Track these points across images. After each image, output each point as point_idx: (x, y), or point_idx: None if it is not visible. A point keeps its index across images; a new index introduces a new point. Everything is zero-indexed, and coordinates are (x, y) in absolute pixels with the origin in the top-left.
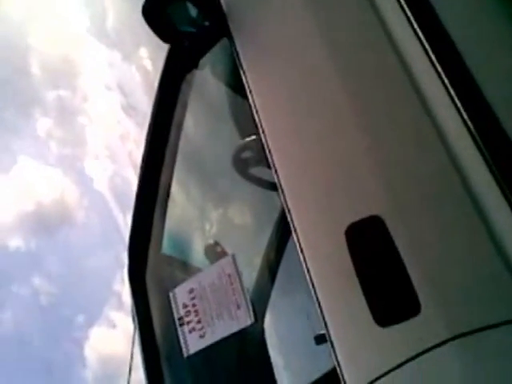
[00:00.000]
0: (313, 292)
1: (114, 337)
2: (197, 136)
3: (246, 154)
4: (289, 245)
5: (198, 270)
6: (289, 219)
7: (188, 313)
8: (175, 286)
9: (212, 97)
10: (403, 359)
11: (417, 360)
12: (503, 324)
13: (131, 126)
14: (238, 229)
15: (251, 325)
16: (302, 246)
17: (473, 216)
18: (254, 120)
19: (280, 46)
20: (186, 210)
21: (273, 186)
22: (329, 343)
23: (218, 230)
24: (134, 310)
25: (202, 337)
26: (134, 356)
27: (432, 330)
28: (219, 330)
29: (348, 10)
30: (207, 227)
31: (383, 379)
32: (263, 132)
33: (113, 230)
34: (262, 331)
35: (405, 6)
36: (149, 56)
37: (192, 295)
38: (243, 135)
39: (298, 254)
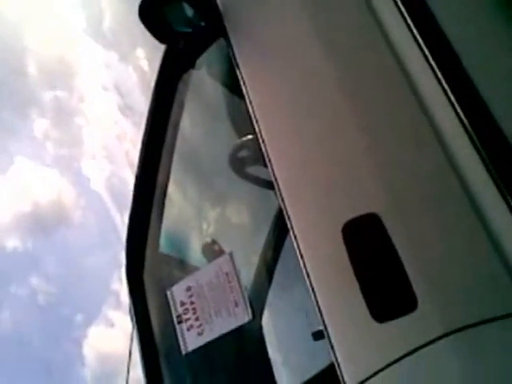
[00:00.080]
0: (310, 289)
1: (112, 335)
2: (193, 135)
3: (243, 153)
4: (286, 242)
5: (196, 268)
6: (286, 217)
7: (186, 311)
8: (173, 285)
9: (208, 96)
10: (400, 354)
11: (414, 355)
12: (499, 319)
13: (128, 126)
14: (236, 227)
15: (249, 322)
16: (299, 243)
17: (470, 214)
18: (251, 119)
19: (276, 46)
20: (183, 208)
21: (269, 185)
22: (326, 339)
23: (216, 229)
24: (132, 309)
25: (200, 334)
26: (133, 354)
27: (429, 326)
28: (217, 327)
29: (345, 10)
30: (204, 226)
31: (381, 374)
32: (260, 131)
33: (110, 230)
34: (260, 328)
35: (402, 8)
36: (145, 56)
37: (190, 293)
38: (240, 134)
39: (295, 252)
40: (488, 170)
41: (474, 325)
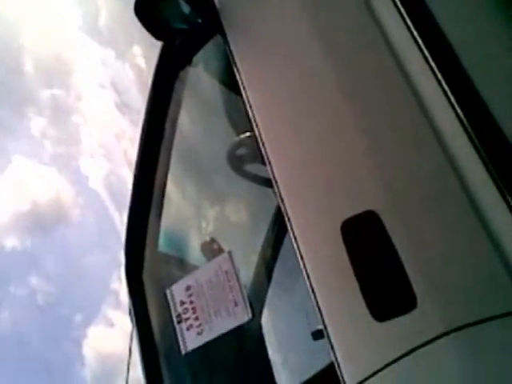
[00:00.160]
0: (310, 288)
1: (112, 335)
2: (191, 133)
3: (241, 151)
4: (285, 241)
5: (195, 267)
6: (285, 215)
7: (185, 310)
8: (172, 284)
9: (206, 94)
10: (400, 353)
11: (414, 354)
12: (499, 317)
13: (126, 124)
14: (234, 226)
15: (249, 321)
16: (299, 242)
17: (469, 213)
18: (248, 116)
19: (273, 43)
20: (181, 207)
21: (268, 183)
22: (326, 338)
23: (214, 228)
24: (132, 309)
25: (199, 334)
26: (132, 354)
27: (429, 324)
28: (217, 326)
29: (343, 9)
30: (203, 225)
31: (381, 373)
32: (258, 128)
33: (109, 228)
34: (260, 327)
35: (401, 8)
36: (142, 54)
37: (189, 292)
38: (238, 132)
39: (294, 250)
40: (488, 170)
41: (474, 323)
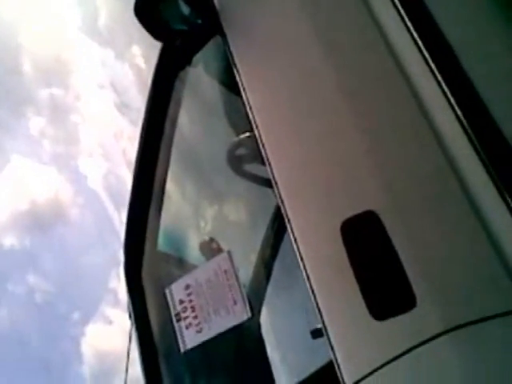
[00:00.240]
0: (309, 287)
1: (110, 333)
2: (191, 133)
3: (241, 151)
4: (284, 240)
5: (194, 266)
6: (284, 215)
7: (185, 309)
8: (171, 283)
9: (205, 94)
10: (400, 352)
11: (413, 352)
12: (499, 316)
13: (125, 124)
14: (234, 225)
15: (248, 320)
16: (298, 241)
17: (468, 213)
18: (248, 117)
19: (273, 44)
20: (181, 207)
21: (267, 183)
22: (325, 337)
23: (214, 227)
24: (131, 307)
25: (198, 332)
26: (131, 352)
27: (428, 323)
28: (216, 325)
29: (343, 10)
30: (202, 224)
31: (380, 372)
32: (257, 129)
33: (107, 228)
34: (259, 326)
35: (400, 8)
36: (141, 54)
37: (188, 291)
38: (237, 132)
39: (293, 250)
40: (488, 172)
41: (474, 322)
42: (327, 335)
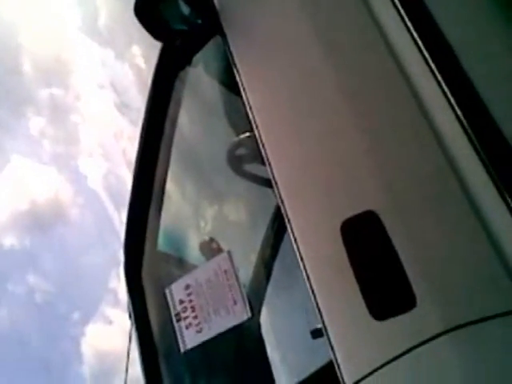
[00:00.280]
0: (309, 287)
1: (110, 333)
2: (191, 133)
3: (241, 151)
4: (284, 240)
5: (194, 266)
6: (284, 215)
7: (185, 309)
8: (171, 283)
9: (206, 94)
10: (400, 352)
11: (413, 352)
12: (498, 316)
13: (125, 124)
14: (234, 225)
15: (247, 320)
16: (298, 241)
17: (468, 213)
18: (248, 117)
19: (273, 44)
20: (181, 207)
21: (267, 183)
22: (325, 337)
23: (214, 227)
24: (131, 307)
25: (198, 332)
26: (131, 352)
27: (428, 323)
28: (216, 325)
29: (343, 9)
30: (202, 224)
31: (380, 372)
32: (257, 129)
33: (107, 227)
34: (259, 326)
35: (400, 9)
36: (141, 54)
37: (188, 291)
38: (237, 132)
39: (293, 250)
40: (488, 172)
41: (474, 322)
42: (327, 335)
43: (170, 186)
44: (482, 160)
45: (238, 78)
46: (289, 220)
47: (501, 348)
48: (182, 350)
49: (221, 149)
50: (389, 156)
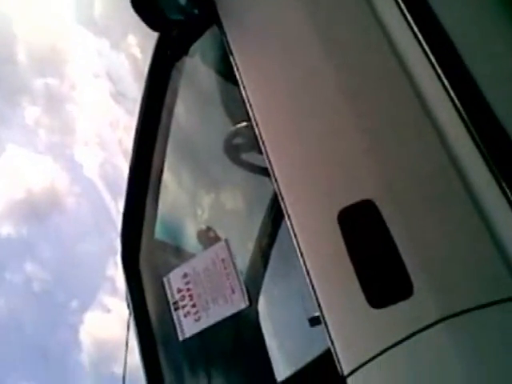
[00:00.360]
0: (306, 275)
1: (108, 321)
2: (188, 123)
3: (238, 140)
4: (281, 228)
5: (192, 255)
6: (281, 204)
7: (183, 297)
8: (169, 272)
9: (202, 84)
10: (397, 339)
11: (410, 340)
12: (496, 303)
13: (120, 113)
14: (231, 214)
15: (245, 308)
16: (295, 230)
17: (465, 202)
18: (245, 106)
19: (270, 33)
20: (178, 195)
21: (264, 172)
22: (323, 325)
23: (211, 215)
24: (129, 296)
25: (197, 321)
26: (130, 340)
27: (425, 311)
28: (214, 313)
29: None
30: (200, 212)
31: (377, 359)
32: (254, 118)
33: (104, 216)
34: (256, 314)
35: (403, 7)
36: (137, 43)
37: (186, 280)
38: (234, 121)
39: (290, 238)
40: (490, 169)
41: (471, 309)
42: (325, 323)
43: (167, 174)
44: (485, 159)
45: (234, 68)
46: (286, 209)
47: (498, 335)
48: (181, 339)
49: (218, 138)
50: (386, 141)
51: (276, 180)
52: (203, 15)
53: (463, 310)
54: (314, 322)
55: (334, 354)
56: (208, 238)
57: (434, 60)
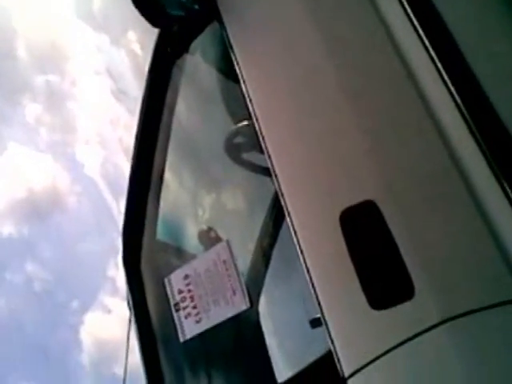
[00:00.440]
0: (308, 276)
1: (109, 321)
2: (189, 121)
3: (239, 140)
4: (283, 229)
5: (193, 256)
6: (283, 204)
7: (184, 298)
8: (170, 272)
9: (203, 81)
10: (398, 341)
11: (411, 342)
12: (497, 305)
13: (121, 111)
14: (232, 214)
15: (246, 309)
16: (297, 231)
17: (467, 203)
18: (246, 103)
19: (271, 30)
20: (179, 195)
21: (266, 171)
22: (324, 327)
23: (212, 216)
24: (130, 296)
25: (198, 322)
26: (131, 340)
27: (426, 313)
28: (215, 315)
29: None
30: (201, 213)
31: (378, 361)
32: (255, 117)
33: (105, 215)
34: (257, 315)
35: (407, 7)
36: (138, 39)
37: (187, 281)
38: (235, 120)
39: (292, 239)
40: (492, 170)
41: (473, 311)
42: (326, 325)
43: (168, 174)
44: (487, 159)
45: (235, 65)
46: (288, 210)
47: (499, 337)
48: (182, 340)
49: (219, 137)
50: (387, 141)
51: (277, 180)
52: (204, 11)
53: (465, 312)
54: (315, 323)
55: (335, 356)
56: (209, 238)
57: (437, 60)
